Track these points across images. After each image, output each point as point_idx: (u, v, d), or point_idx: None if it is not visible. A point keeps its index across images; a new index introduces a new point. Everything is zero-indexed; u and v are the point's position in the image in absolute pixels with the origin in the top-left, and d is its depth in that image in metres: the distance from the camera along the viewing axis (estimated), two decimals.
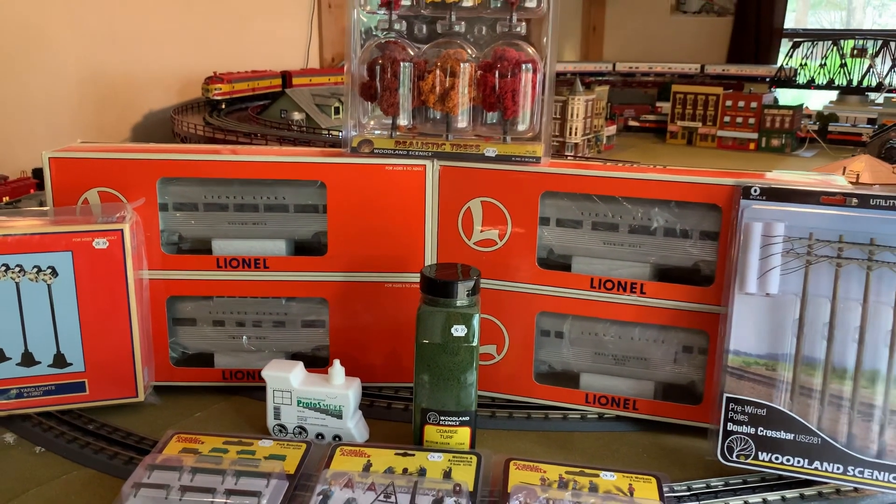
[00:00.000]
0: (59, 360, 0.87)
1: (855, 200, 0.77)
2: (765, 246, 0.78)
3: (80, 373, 0.88)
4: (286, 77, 3.01)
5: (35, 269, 0.85)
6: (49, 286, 0.85)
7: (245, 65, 2.97)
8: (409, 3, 0.89)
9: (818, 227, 0.77)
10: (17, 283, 0.84)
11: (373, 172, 0.91)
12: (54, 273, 0.85)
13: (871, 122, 3.30)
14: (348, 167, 0.91)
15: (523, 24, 0.89)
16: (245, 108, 2.86)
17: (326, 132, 2.50)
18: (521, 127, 0.90)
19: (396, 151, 0.91)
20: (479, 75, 0.88)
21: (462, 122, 0.90)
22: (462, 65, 0.88)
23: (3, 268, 0.84)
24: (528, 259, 0.91)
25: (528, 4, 0.87)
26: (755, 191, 0.79)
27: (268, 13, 3.21)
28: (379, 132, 0.92)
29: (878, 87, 3.56)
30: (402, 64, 0.89)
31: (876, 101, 3.54)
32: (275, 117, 2.71)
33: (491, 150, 0.90)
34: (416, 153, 0.91)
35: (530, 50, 0.88)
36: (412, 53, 0.90)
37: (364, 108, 0.92)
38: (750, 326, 0.79)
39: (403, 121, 0.91)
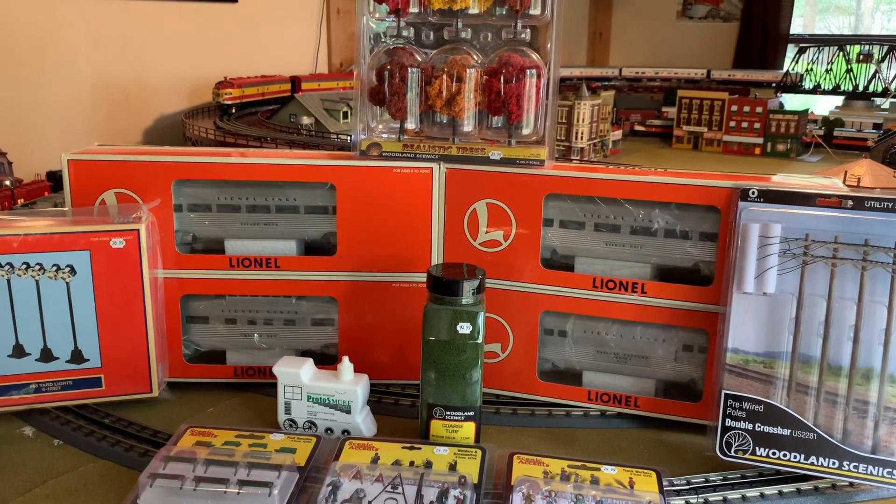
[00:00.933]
0: (77, 356, 0.90)
1: (850, 202, 0.79)
2: (762, 247, 0.80)
3: (96, 368, 0.90)
4: (295, 82, 3.04)
5: (54, 268, 0.87)
6: (67, 284, 0.88)
7: (255, 70, 3.00)
8: (416, 10, 0.92)
9: (814, 228, 0.79)
10: (36, 281, 0.87)
11: (381, 175, 0.94)
12: (73, 271, 0.88)
13: (876, 127, 3.30)
14: (357, 170, 0.94)
15: (528, 30, 0.91)
16: (255, 113, 2.89)
17: (335, 136, 2.53)
18: (525, 131, 0.92)
19: (404, 154, 0.94)
20: (485, 80, 0.91)
21: (468, 125, 0.93)
22: (468, 70, 0.90)
23: (24, 266, 0.86)
24: (532, 259, 0.93)
25: (532, 12, 0.90)
26: (753, 193, 0.81)
27: (277, 19, 3.24)
28: (387, 136, 0.95)
29: (884, 93, 3.57)
30: (409, 69, 0.91)
31: (882, 107, 3.54)
32: (284, 122, 2.74)
33: (496, 154, 0.92)
34: (423, 156, 0.93)
35: (534, 56, 0.91)
36: (420, 59, 0.93)
37: (373, 113, 0.95)
38: (748, 325, 0.81)
39: (411, 125, 0.94)
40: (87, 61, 2.51)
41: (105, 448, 0.84)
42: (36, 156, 2.05)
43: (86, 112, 2.53)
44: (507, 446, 0.81)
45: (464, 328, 0.79)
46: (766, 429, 0.80)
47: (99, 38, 2.54)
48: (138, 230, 0.89)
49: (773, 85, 3.81)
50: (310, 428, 0.87)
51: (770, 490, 0.78)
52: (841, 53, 3.68)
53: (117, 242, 0.89)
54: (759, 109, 3.29)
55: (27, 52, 2.33)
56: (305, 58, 3.41)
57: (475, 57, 0.92)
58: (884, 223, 0.77)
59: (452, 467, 0.76)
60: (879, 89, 3.59)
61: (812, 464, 0.78)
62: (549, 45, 0.91)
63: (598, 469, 0.76)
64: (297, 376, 0.86)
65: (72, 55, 2.47)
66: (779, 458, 0.79)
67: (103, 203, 0.94)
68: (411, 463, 0.76)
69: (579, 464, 0.77)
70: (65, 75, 2.45)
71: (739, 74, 3.94)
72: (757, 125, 3.30)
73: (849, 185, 1.20)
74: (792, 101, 3.89)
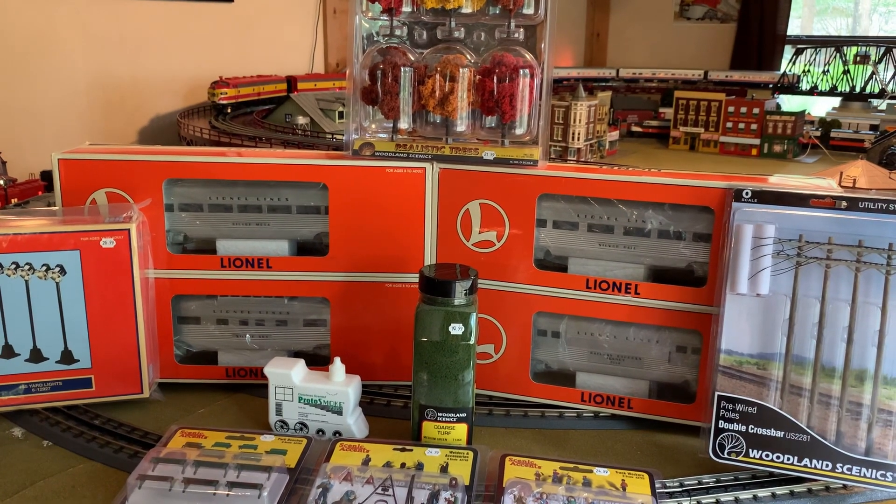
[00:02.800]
0: (67, 357, 0.89)
1: (844, 203, 0.78)
2: (755, 247, 0.79)
3: (86, 369, 0.90)
4: (291, 82, 3.04)
5: (44, 268, 0.87)
6: (57, 284, 0.87)
7: (251, 70, 3.00)
8: (409, 9, 0.92)
9: (808, 229, 0.78)
10: (26, 281, 0.86)
11: (374, 175, 0.93)
12: (62, 271, 0.87)
13: (873, 128, 3.31)
14: (350, 169, 0.93)
15: (521, 30, 0.91)
16: (250, 113, 2.89)
17: (330, 136, 2.53)
18: (518, 131, 0.92)
19: (397, 154, 0.93)
20: (478, 80, 0.90)
21: (461, 125, 0.92)
22: (461, 70, 0.90)
23: (13, 266, 0.86)
24: (526, 260, 0.92)
25: (525, 11, 0.89)
26: (746, 193, 0.81)
27: (273, 19, 3.24)
28: (380, 135, 0.94)
29: (881, 94, 3.57)
30: (402, 69, 0.91)
31: (878, 108, 3.55)
32: (279, 121, 2.74)
33: (489, 154, 0.92)
34: (416, 156, 0.93)
35: (528, 55, 0.90)
36: (412, 58, 0.92)
37: (365, 112, 0.94)
38: (741, 326, 0.81)
39: (404, 124, 0.94)
40: (83, 61, 2.51)
41: (94, 449, 0.83)
42: (30, 155, 2.05)
43: (81, 112, 2.52)
44: (500, 448, 0.81)
45: (456, 329, 0.79)
46: (760, 430, 0.79)
47: (94, 37, 2.53)
48: (129, 230, 0.88)
49: (770, 86, 3.82)
50: (301, 429, 0.86)
51: (763, 492, 0.77)
52: (838, 55, 3.68)
53: (108, 242, 0.88)
54: (755, 110, 3.30)
55: (22, 52, 2.32)
56: (301, 58, 3.40)
57: (468, 56, 0.92)
58: (877, 224, 0.77)
59: (444, 469, 0.75)
60: (876, 91, 3.60)
61: (805, 466, 0.78)
62: (542, 45, 0.91)
63: (591, 471, 0.75)
64: (288, 377, 0.85)
65: (67, 54, 2.46)
66: (772, 460, 0.79)
67: (94, 202, 0.93)
68: (402, 465, 0.75)
69: (571, 465, 0.76)
70: (60, 75, 2.44)
71: (736, 75, 3.95)
72: (754, 126, 3.30)
73: (844, 186, 1.20)
74: (789, 103, 3.90)
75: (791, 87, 3.77)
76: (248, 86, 2.88)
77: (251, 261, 0.96)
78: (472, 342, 0.79)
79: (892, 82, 3.57)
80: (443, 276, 0.79)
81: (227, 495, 0.70)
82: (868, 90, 3.61)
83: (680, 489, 0.78)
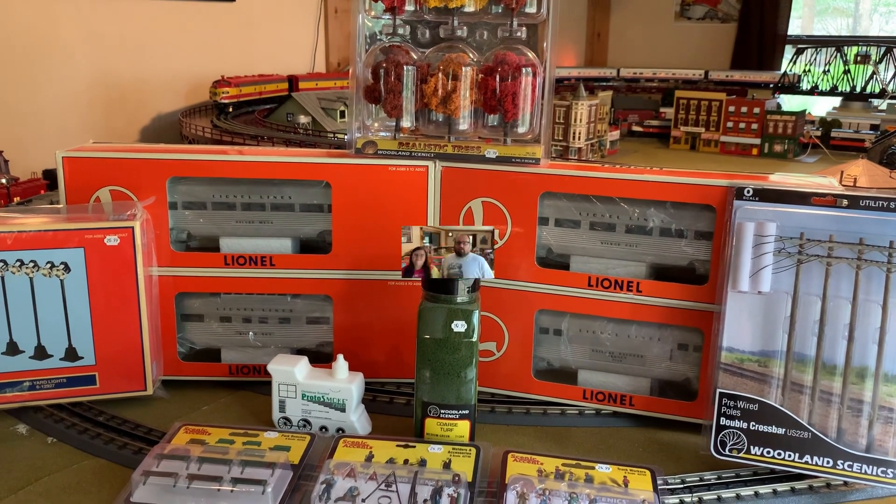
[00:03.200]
0: (71, 354, 0.89)
1: (845, 201, 0.79)
2: (757, 245, 0.80)
3: (90, 366, 0.90)
4: (292, 81, 3.04)
5: (48, 265, 0.87)
6: (62, 281, 0.88)
7: (252, 69, 3.00)
8: (412, 8, 0.92)
9: (809, 227, 0.79)
10: (30, 278, 0.87)
11: (376, 173, 0.94)
12: (67, 269, 0.88)
13: (873, 128, 3.31)
14: (353, 168, 0.94)
15: (524, 28, 0.91)
16: (252, 112, 2.89)
17: (332, 135, 2.53)
18: (521, 129, 0.92)
19: (399, 152, 0.93)
20: (481, 79, 0.91)
21: (463, 124, 0.93)
22: (464, 68, 0.90)
23: (18, 263, 0.86)
24: (528, 258, 0.93)
25: (528, 10, 0.90)
26: (748, 192, 0.81)
27: (275, 18, 3.24)
28: (383, 134, 0.95)
29: (882, 94, 3.57)
30: (405, 67, 0.91)
31: (879, 108, 3.55)
32: (281, 121, 2.74)
33: (491, 152, 0.92)
34: (419, 154, 0.93)
35: (530, 54, 0.91)
36: (415, 57, 0.93)
37: (368, 111, 0.95)
38: (743, 324, 0.81)
39: (406, 123, 0.94)
40: (84, 60, 2.51)
41: (99, 446, 0.84)
42: (32, 154, 2.05)
43: (82, 111, 2.53)
44: (502, 445, 0.81)
45: (459, 326, 0.79)
46: (761, 427, 0.80)
47: (96, 36, 2.54)
48: (133, 228, 0.89)
49: (771, 86, 3.82)
50: (304, 426, 0.87)
51: (765, 489, 0.78)
52: (838, 54, 3.68)
53: (112, 240, 0.88)
54: (756, 110, 3.30)
55: (24, 51, 2.33)
56: (303, 57, 3.41)
57: (471, 55, 0.92)
58: (878, 222, 0.77)
59: (447, 465, 0.76)
60: (877, 90, 3.60)
61: (806, 463, 0.78)
62: (544, 44, 0.91)
63: (593, 468, 0.76)
64: (291, 374, 0.85)
65: (69, 53, 2.46)
66: (773, 457, 0.79)
67: (98, 200, 0.93)
68: (406, 461, 0.76)
69: (574, 462, 0.77)
70: (62, 74, 2.45)
71: (737, 75, 3.95)
72: (754, 126, 3.30)
73: (845, 185, 1.20)
74: (789, 102, 3.90)
75: (791, 86, 3.77)
76: (250, 85, 2.88)
77: (254, 258, 0.96)
78: (474, 339, 0.80)
79: (892, 82, 3.57)
80: None
81: (232, 491, 0.70)
82: (868, 90, 3.62)
83: (682, 486, 0.78)
